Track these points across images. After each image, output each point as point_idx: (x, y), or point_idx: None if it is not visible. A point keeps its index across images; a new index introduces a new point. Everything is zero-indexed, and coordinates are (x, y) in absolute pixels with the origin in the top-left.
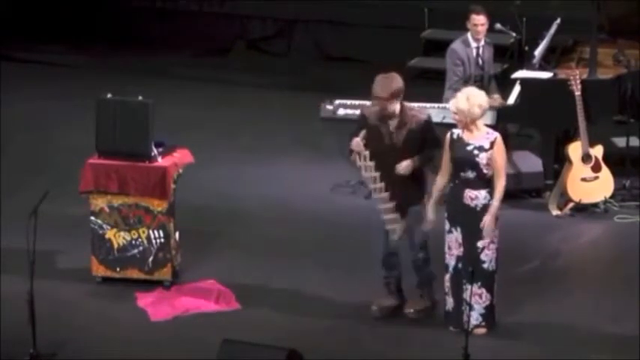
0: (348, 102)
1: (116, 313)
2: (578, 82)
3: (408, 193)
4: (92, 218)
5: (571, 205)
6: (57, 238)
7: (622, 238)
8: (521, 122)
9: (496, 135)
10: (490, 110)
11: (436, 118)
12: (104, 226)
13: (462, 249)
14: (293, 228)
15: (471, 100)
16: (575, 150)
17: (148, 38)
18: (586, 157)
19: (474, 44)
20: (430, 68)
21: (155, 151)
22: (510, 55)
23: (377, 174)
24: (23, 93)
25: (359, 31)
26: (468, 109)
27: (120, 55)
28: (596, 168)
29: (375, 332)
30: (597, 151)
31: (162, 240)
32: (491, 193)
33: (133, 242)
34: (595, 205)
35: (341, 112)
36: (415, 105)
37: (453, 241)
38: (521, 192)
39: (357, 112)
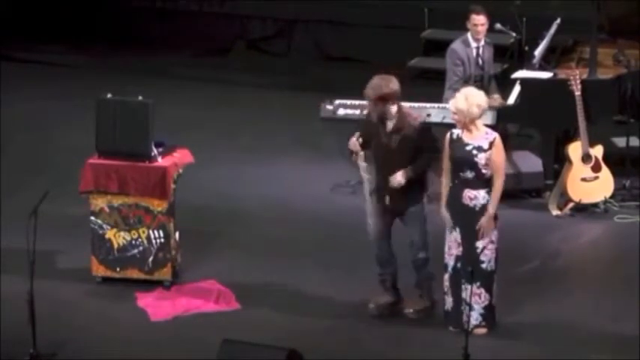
0: (348, 102)
1: (116, 313)
2: (578, 82)
3: (407, 193)
4: (92, 218)
5: (571, 205)
6: (57, 238)
7: (622, 238)
8: (521, 122)
9: (495, 135)
10: (490, 110)
11: (436, 118)
12: (104, 226)
13: (461, 249)
14: (293, 228)
15: (469, 99)
16: (575, 150)
17: (148, 38)
18: (586, 157)
19: (474, 44)
20: (430, 68)
21: (155, 151)
22: (510, 55)
23: (372, 175)
24: (23, 93)
25: (359, 31)
26: (467, 109)
27: (120, 55)
28: (596, 168)
29: (374, 332)
30: (597, 151)
31: (163, 240)
32: (490, 194)
33: (133, 242)
34: (595, 205)
35: (341, 112)
36: (415, 105)
37: (453, 241)
38: (521, 192)
39: (357, 112)
